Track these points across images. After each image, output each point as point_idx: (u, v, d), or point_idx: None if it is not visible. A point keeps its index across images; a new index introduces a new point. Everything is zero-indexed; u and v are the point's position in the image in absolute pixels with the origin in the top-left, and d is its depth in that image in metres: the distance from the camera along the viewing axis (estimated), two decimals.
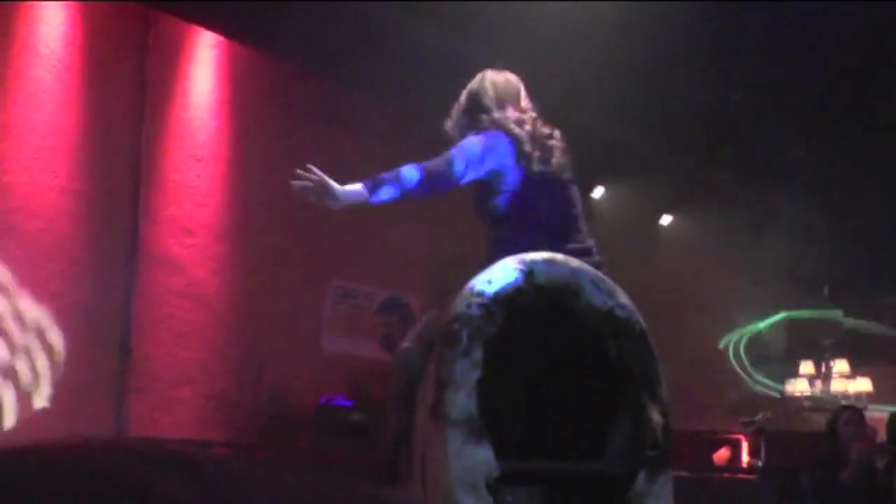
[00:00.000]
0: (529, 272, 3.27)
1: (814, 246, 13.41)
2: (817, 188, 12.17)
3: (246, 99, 9.65)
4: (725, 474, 9.98)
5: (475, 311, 3.16)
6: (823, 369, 14.52)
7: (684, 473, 8.77)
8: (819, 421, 10.83)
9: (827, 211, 13.02)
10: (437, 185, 3.78)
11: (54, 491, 0.77)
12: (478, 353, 3.11)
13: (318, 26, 8.78)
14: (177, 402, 8.89)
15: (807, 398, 14.31)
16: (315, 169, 3.75)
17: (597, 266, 3.56)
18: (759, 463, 10.02)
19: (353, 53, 9.18)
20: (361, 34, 8.93)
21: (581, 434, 3.45)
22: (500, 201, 3.88)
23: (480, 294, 3.20)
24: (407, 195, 3.74)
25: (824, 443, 7.84)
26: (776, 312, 14.84)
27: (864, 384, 14.18)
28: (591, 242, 3.86)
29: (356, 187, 3.69)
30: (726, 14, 8.82)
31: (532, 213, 3.80)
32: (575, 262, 3.38)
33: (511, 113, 4.03)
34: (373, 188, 3.67)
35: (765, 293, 14.65)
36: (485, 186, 3.93)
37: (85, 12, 8.47)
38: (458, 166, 3.76)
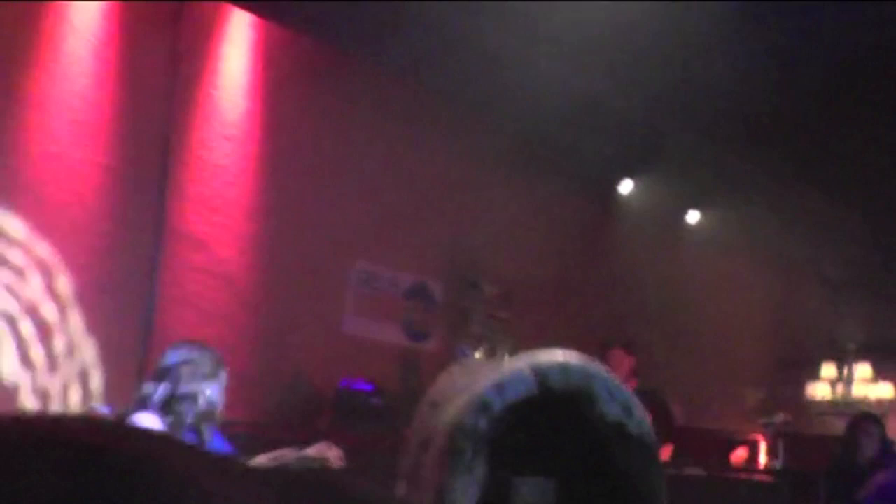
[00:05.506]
0: (543, 378, 3.13)
1: (845, 246, 13.28)
2: (853, 185, 11.99)
3: (277, 78, 9.65)
4: (742, 475, 9.95)
5: (483, 426, 3.04)
6: (845, 373, 14.44)
7: (701, 472, 8.75)
8: (839, 426, 10.78)
9: (862, 208, 12.80)
10: None
11: (46, 464, 0.76)
12: (480, 470, 3.00)
13: (352, 6, 8.77)
14: None
15: (828, 402, 14.24)
16: None
17: None
18: (777, 465, 10.00)
19: (388, 34, 9.17)
20: (396, 15, 8.91)
21: None
22: None
23: (489, 405, 3.08)
24: None
25: (841, 449, 7.78)
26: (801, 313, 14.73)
27: (886, 390, 14.10)
28: None
29: None
30: (764, 7, 8.74)
31: None
32: (592, 368, 3.24)
33: None
34: None
35: (792, 294, 14.58)
36: None
37: None
38: None
